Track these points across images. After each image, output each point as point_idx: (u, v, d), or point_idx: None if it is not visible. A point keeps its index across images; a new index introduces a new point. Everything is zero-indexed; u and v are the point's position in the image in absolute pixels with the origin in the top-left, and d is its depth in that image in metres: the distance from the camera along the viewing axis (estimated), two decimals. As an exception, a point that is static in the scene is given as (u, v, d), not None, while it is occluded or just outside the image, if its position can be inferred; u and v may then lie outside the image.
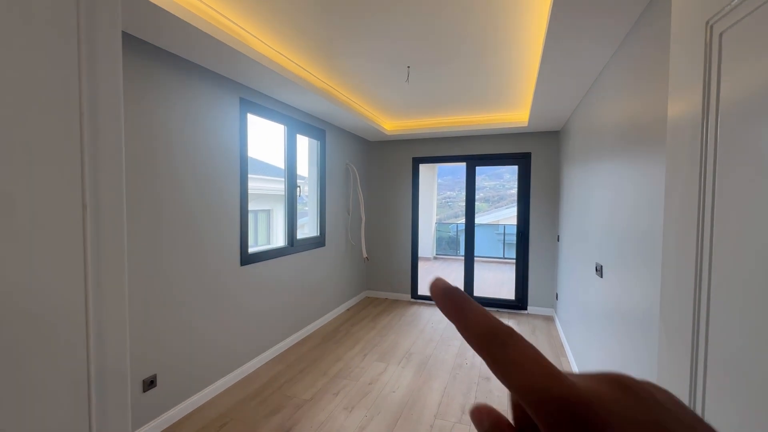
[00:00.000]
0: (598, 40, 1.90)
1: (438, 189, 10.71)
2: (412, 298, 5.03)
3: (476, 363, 3.11)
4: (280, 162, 3.48)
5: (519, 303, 4.55)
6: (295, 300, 3.48)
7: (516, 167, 4.56)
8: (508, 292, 5.50)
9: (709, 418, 0.64)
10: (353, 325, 3.99)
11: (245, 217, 2.80)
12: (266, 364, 3.04)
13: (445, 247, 10.06)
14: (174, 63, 2.17)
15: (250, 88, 2.80)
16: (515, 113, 3.99)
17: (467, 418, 2.32)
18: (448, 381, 2.80)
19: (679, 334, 0.72)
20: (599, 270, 2.22)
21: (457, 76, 2.89)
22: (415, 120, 4.38)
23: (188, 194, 2.30)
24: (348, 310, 4.55)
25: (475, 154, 4.65)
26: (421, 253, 8.45)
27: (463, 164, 4.81)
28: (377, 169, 5.14)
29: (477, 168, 4.78)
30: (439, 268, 7.68)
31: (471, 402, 2.50)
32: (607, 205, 2.12)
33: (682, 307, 0.71)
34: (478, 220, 11.80)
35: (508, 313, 4.52)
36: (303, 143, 3.83)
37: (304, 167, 4.05)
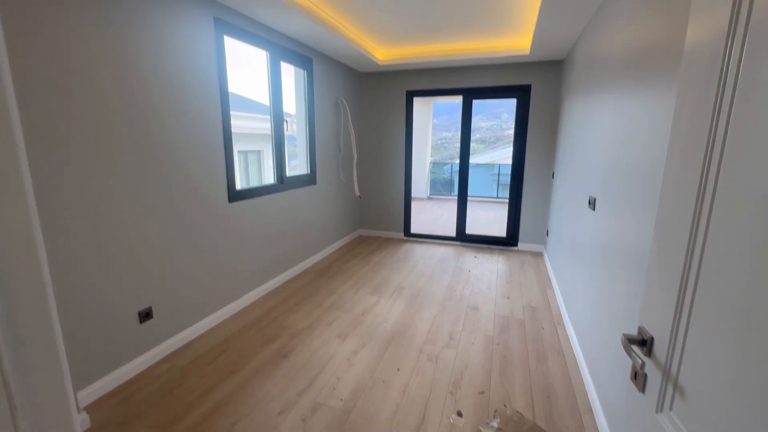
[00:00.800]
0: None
1: (434, 129, 10.39)
2: (404, 236, 5.09)
3: (465, 294, 3.22)
4: (264, 98, 3.27)
5: (510, 240, 4.63)
6: (287, 237, 3.49)
7: (514, 101, 4.35)
8: (500, 230, 5.57)
9: (690, 346, 0.63)
10: (346, 262, 4.07)
11: (230, 152, 2.68)
12: (262, 297, 3.12)
13: (439, 188, 10.02)
14: (133, -29, 1.90)
15: (225, 6, 2.52)
16: (517, 40, 3.70)
17: (455, 342, 2.45)
18: (438, 311, 2.91)
19: (671, 259, 0.69)
20: (592, 203, 2.19)
21: (455, -7, 2.61)
22: (410, 48, 4.06)
23: (168, 128, 2.16)
24: (341, 248, 4.61)
25: (473, 86, 4.41)
26: (414, 193, 8.42)
27: (460, 100, 4.57)
28: (369, 104, 4.89)
29: (474, 106, 4.56)
30: (432, 208, 7.72)
31: (459, 329, 2.62)
32: (606, 137, 2.03)
33: (678, 234, 0.67)
34: (474, 160, 11.63)
35: (499, 249, 4.61)
36: (288, 76, 3.56)
37: (292, 104, 3.82)
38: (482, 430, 1.69)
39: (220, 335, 2.51)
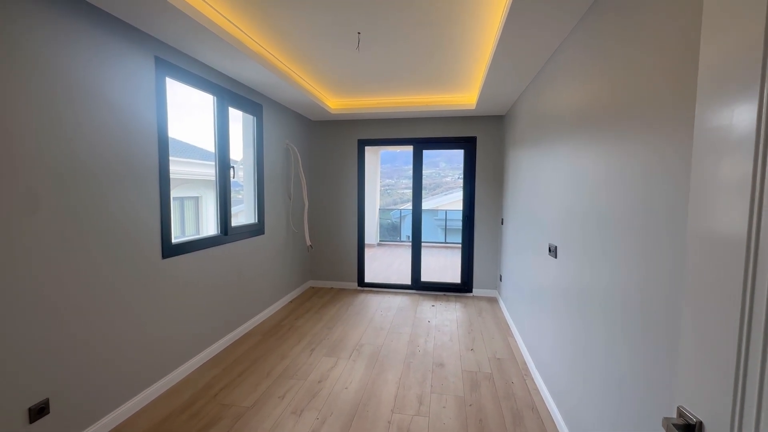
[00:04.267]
0: (561, 8, 1.82)
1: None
2: (358, 285, 4.86)
3: (428, 349, 3.04)
4: (209, 145, 3.02)
5: (465, 286, 4.61)
6: (231, 294, 3.10)
7: (462, 152, 4.55)
8: (453, 276, 5.58)
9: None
10: (297, 318, 3.71)
11: (166, 201, 2.36)
12: (198, 369, 2.65)
13: (385, 234, 10.02)
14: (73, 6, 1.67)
15: (167, 45, 2.33)
16: (463, 95, 3.93)
17: (425, 409, 2.22)
18: (403, 371, 2.68)
19: (716, 324, 0.61)
20: (553, 251, 2.22)
21: (408, 49, 2.70)
22: (361, 98, 4.13)
23: (93, 173, 1.83)
24: (291, 302, 4.23)
25: (422, 137, 4.55)
26: (366, 240, 8.30)
27: (404, 150, 4.69)
28: (321, 152, 4.81)
29: (412, 158, 4.69)
30: (384, 255, 7.61)
31: (428, 391, 2.41)
32: (563, 186, 2.10)
33: (725, 291, 0.60)
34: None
35: (455, 296, 4.56)
36: (236, 121, 3.38)
37: (239, 150, 3.60)
38: None
39: (142, 425, 2.03)
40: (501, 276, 4.25)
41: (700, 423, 0.64)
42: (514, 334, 3.32)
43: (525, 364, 2.78)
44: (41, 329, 1.64)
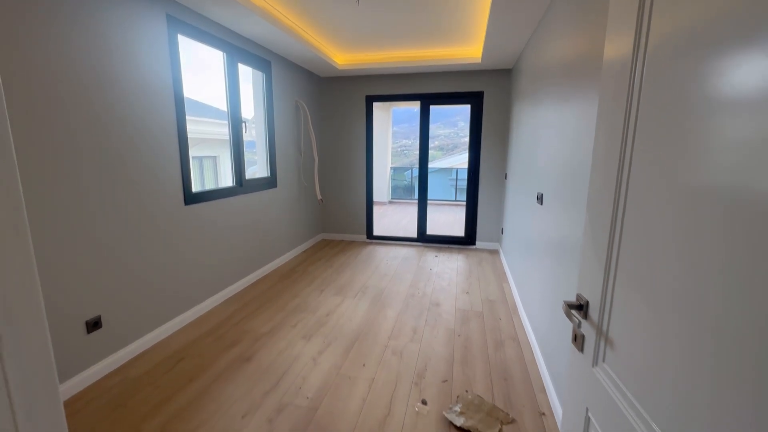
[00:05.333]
0: (552, -40, 1.84)
1: (394, 136, 10.58)
2: (367, 238, 5.14)
3: (427, 292, 3.32)
4: (222, 104, 3.19)
5: (468, 239, 4.83)
6: (247, 241, 3.41)
7: (469, 108, 4.58)
8: (459, 231, 5.78)
9: (616, 305, 0.74)
10: (310, 265, 4.04)
11: (185, 153, 2.59)
12: (221, 304, 3.02)
13: (400, 193, 10.20)
14: (77, -38, 1.81)
15: (178, 3, 2.45)
16: (469, 48, 3.91)
17: (418, 337, 2.52)
18: (401, 308, 2.98)
19: (599, 239, 0.80)
20: (540, 198, 2.37)
21: (410, 2, 2.73)
22: (369, 53, 4.15)
23: (116, 133, 2.06)
24: (304, 252, 4.56)
25: (430, 92, 4.58)
26: (376, 197, 8.50)
27: (418, 106, 4.73)
28: (330, 108, 4.92)
29: (432, 114, 4.74)
30: (394, 212, 7.84)
31: (422, 324, 2.70)
32: (550, 139, 2.21)
33: (603, 219, 0.78)
34: (433, 165, 11.97)
35: (459, 248, 4.79)
36: (246, 81, 3.51)
37: (250, 108, 3.77)
38: (446, 415, 1.76)
39: (176, 344, 2.40)
40: (503, 229, 4.43)
41: (587, 302, 0.85)
42: (509, 281, 3.56)
43: (515, 304, 3.03)
44: (93, 257, 1.95)
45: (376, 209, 7.83)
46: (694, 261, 0.53)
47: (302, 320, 2.75)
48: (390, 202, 9.14)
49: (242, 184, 3.30)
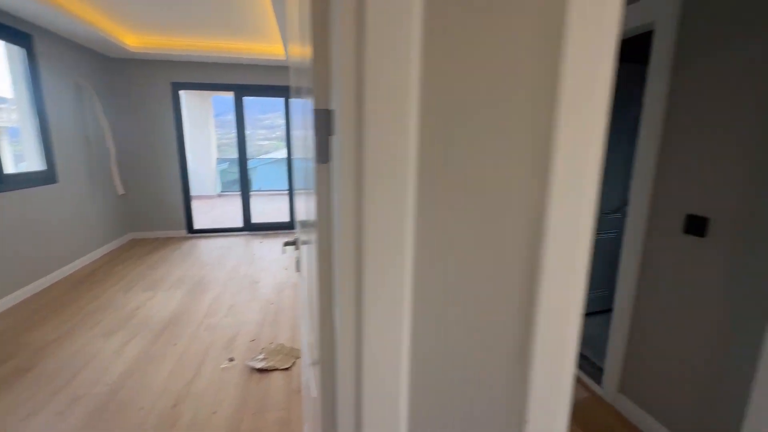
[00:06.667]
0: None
1: (224, 128, 9.97)
2: (188, 233, 4.93)
3: (248, 273, 3.55)
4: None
5: (292, 223, 5.21)
6: (18, 246, 2.90)
7: (283, 100, 4.89)
8: (286, 217, 6.11)
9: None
10: (116, 266, 3.69)
11: None
12: (-15, 322, 2.54)
13: (233, 185, 9.76)
14: None
15: None
16: (276, 45, 4.20)
17: (234, 311, 2.76)
18: (220, 291, 3.13)
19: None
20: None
21: (199, -4, 2.83)
22: (172, 39, 3.96)
23: None
24: (108, 253, 4.08)
25: (243, 83, 4.68)
26: (202, 191, 8.02)
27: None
28: (127, 93, 4.44)
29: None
30: (223, 205, 7.57)
31: (239, 301, 2.94)
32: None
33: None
34: (271, 156, 11.83)
35: (285, 232, 5.13)
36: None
37: (7, 87, 3.13)
38: (248, 363, 2.10)
39: None
40: (322, 211, 4.97)
41: (297, 239, 1.30)
42: (324, 254, 4.10)
43: (325, 272, 3.58)
44: None
45: (202, 203, 7.40)
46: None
47: (104, 320, 2.61)
48: (220, 195, 8.72)
49: (2, 181, 2.78)
